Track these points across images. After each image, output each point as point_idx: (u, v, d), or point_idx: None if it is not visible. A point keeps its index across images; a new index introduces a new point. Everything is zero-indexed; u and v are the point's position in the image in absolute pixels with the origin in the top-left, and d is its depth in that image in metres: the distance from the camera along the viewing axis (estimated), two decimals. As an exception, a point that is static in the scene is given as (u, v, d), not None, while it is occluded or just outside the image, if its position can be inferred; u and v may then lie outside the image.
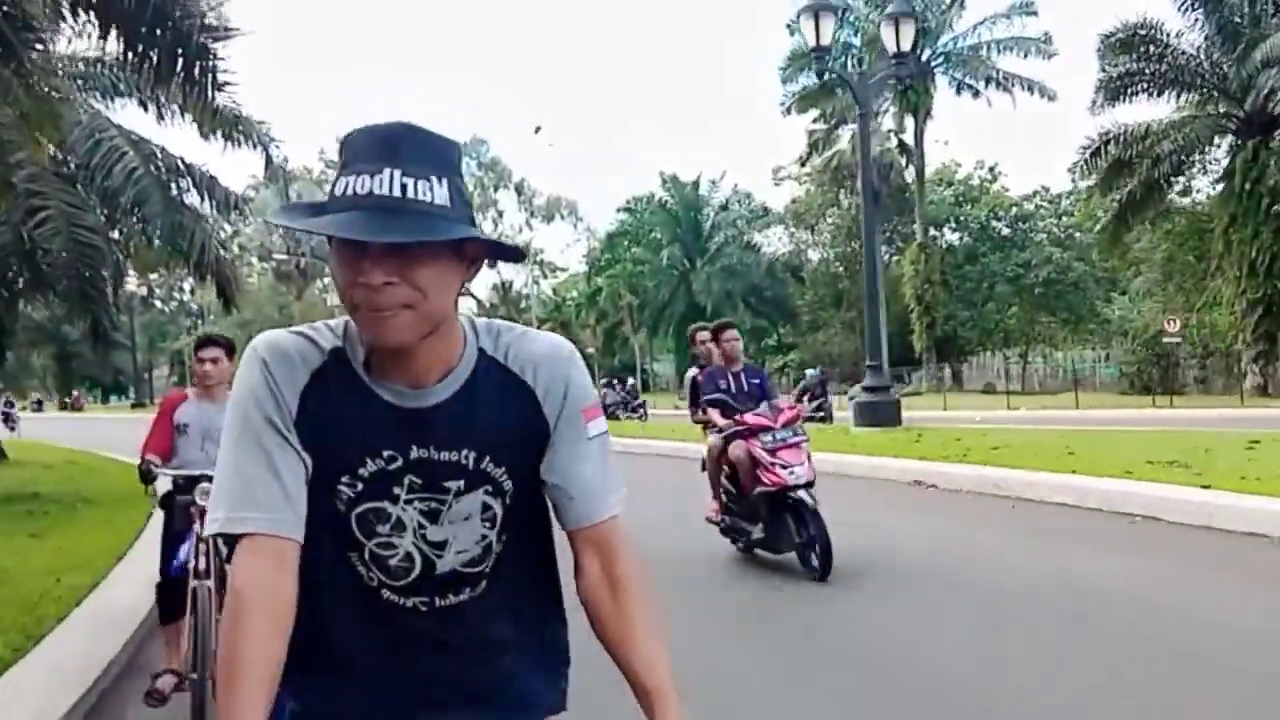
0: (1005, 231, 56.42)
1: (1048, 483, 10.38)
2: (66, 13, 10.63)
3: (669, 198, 57.76)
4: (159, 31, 10.37)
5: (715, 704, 4.42)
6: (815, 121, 42.31)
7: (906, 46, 17.39)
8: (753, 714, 4.51)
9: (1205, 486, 9.01)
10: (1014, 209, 56.33)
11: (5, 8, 9.06)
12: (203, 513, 4.38)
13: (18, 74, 9.70)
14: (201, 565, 4.61)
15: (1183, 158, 32.03)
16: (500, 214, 70.90)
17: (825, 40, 15.69)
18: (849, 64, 39.47)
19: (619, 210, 62.94)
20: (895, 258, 52.59)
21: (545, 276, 75.49)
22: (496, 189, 70.02)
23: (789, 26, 42.37)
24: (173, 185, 15.61)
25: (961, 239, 57.47)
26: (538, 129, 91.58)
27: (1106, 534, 8.38)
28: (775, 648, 5.65)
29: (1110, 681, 4.69)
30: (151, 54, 10.62)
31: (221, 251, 17.92)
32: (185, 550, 4.67)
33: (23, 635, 5.81)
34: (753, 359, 44.35)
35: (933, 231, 56.44)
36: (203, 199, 16.50)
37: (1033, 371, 58.30)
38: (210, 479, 4.14)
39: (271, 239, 65.11)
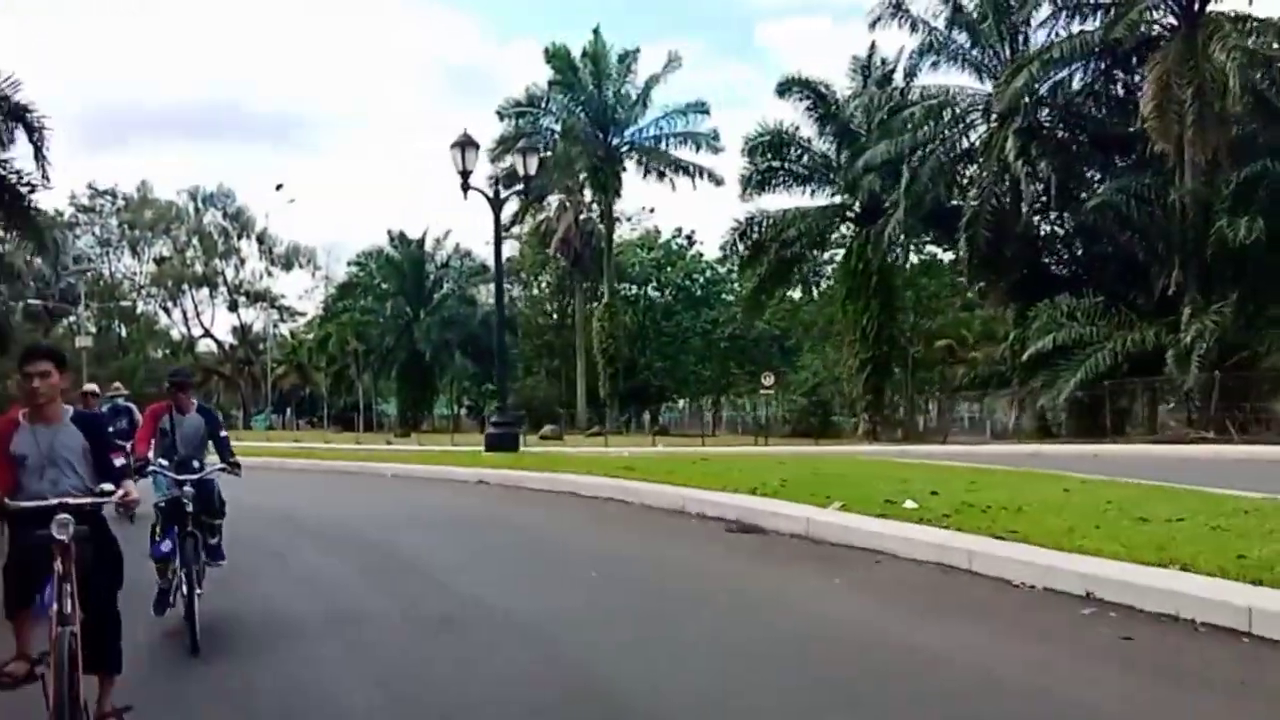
0: (699, 292, 63.29)
1: (594, 484, 15.40)
2: None
3: (395, 253, 61.61)
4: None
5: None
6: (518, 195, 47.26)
7: (533, 171, 22.84)
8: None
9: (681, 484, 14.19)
10: (707, 272, 63.13)
11: None
12: (64, 549, 4.21)
13: None
14: (66, 608, 4.20)
15: (805, 242, 38.78)
16: (242, 261, 73.15)
17: (470, 167, 20.53)
18: (545, 148, 44.98)
19: (349, 264, 66.35)
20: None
21: (284, 320, 77.58)
22: (240, 237, 72.26)
23: (498, 112, 47.43)
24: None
25: (661, 297, 64.09)
26: (279, 186, 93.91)
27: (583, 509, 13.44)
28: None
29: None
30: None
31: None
32: (49, 594, 4.31)
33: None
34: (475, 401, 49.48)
35: (636, 290, 63.14)
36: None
37: (723, 417, 66.01)
38: (67, 509, 4.24)
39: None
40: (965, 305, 46.54)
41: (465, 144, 20.44)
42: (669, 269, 63.54)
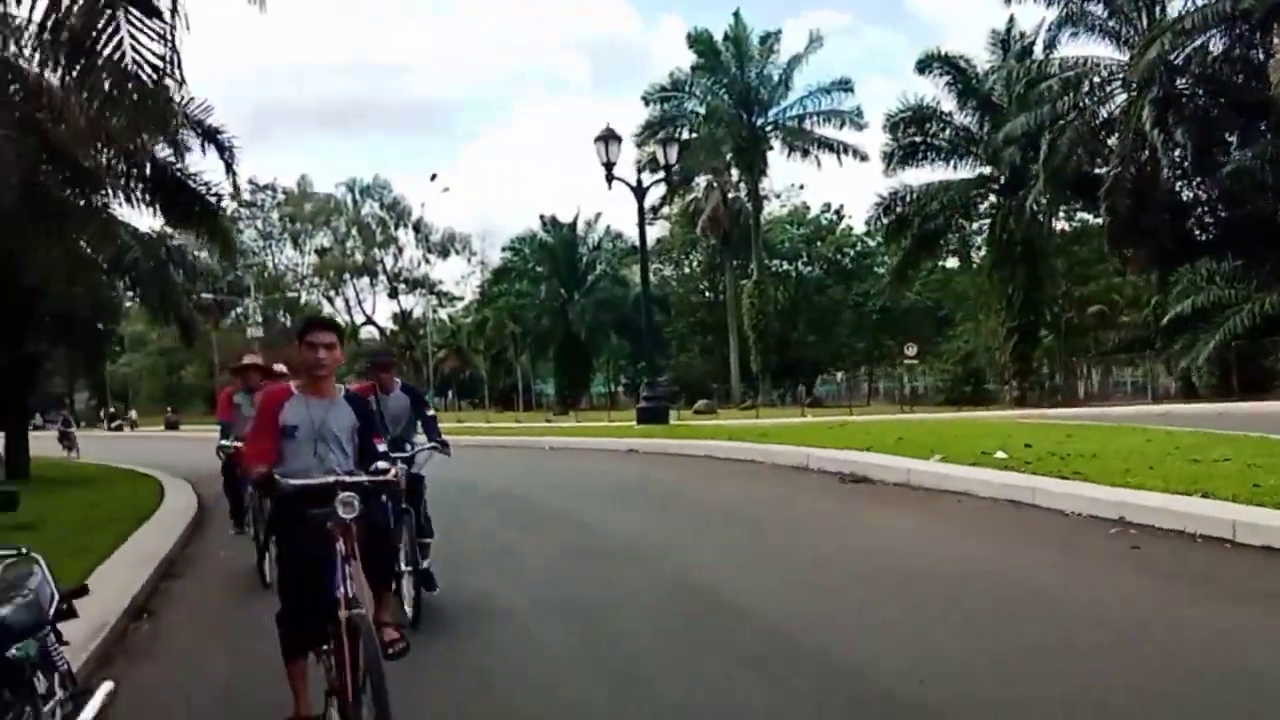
0: (849, 266, 63.93)
1: (731, 448, 17.10)
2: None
3: (548, 237, 64.19)
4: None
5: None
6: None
7: (673, 161, 24.55)
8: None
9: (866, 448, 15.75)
10: (857, 245, 63.68)
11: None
12: (346, 529, 4.03)
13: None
14: (351, 591, 4.00)
15: (949, 214, 39.35)
16: (400, 250, 76.31)
17: (614, 159, 22.28)
18: (688, 131, 46.73)
19: (503, 249, 69.27)
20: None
21: (442, 305, 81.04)
22: (397, 227, 75.52)
23: (643, 98, 49.08)
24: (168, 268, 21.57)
25: (811, 271, 65.01)
26: (434, 176, 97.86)
27: (735, 471, 15.11)
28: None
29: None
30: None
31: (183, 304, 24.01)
32: (337, 578, 3.99)
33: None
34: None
35: (786, 265, 64.31)
36: (177, 268, 22.52)
37: (879, 389, 66.43)
38: (348, 486, 4.07)
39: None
40: (1118, 271, 46.14)
41: (608, 137, 22.22)
42: (819, 244, 64.37)
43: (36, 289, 19.99)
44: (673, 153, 26.52)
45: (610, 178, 22.26)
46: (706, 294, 65.36)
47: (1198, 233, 34.39)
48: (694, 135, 48.10)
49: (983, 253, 45.00)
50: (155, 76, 9.04)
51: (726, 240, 53.42)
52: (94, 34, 8.72)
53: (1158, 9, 33.34)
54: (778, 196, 63.56)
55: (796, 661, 5.18)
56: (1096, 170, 34.68)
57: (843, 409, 43.63)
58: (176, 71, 9.36)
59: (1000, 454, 11.75)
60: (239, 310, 69.13)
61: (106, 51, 8.95)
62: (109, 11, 8.57)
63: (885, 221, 40.38)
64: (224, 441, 8.85)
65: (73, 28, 8.88)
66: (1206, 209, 34.90)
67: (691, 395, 49.87)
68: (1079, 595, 6.34)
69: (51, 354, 27.90)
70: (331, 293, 77.97)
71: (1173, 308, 29.54)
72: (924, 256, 42.11)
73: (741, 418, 35.32)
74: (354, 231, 76.12)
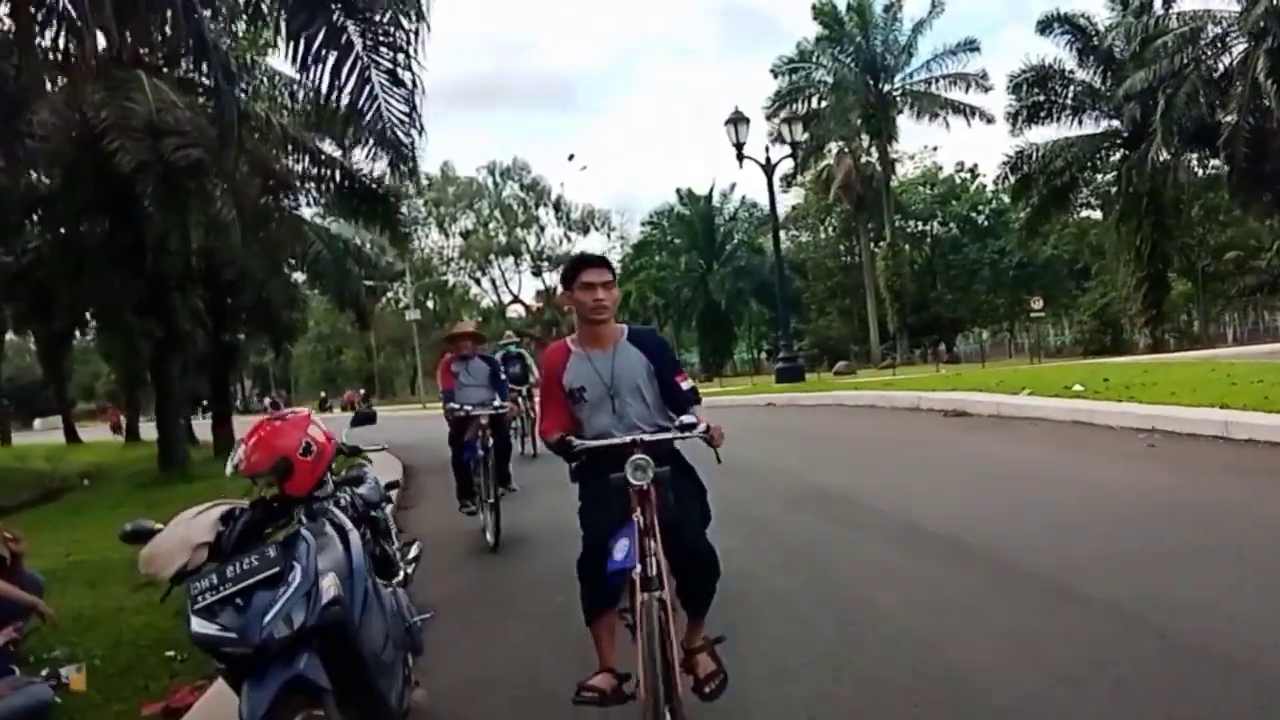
0: (985, 223, 64.74)
1: (857, 396, 19.51)
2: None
3: (685, 210, 66.84)
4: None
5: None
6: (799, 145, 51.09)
7: (799, 138, 26.83)
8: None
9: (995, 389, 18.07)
10: (992, 203, 64.37)
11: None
12: (643, 496, 3.73)
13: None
14: (650, 571, 3.66)
15: (1075, 170, 40.47)
16: (542, 229, 79.50)
17: (743, 139, 24.52)
18: (816, 101, 48.79)
19: (642, 224, 72.01)
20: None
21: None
22: (538, 206, 78.74)
23: (772, 70, 51.08)
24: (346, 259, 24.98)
25: (947, 231, 66.07)
26: (571, 156, 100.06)
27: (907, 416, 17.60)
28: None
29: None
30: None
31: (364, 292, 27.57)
32: (624, 548, 3.69)
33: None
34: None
35: (921, 225, 65.65)
36: (358, 264, 25.98)
37: (1022, 343, 67.13)
38: (643, 446, 3.80)
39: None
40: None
41: (737, 120, 24.37)
42: (954, 203, 65.33)
43: (235, 283, 23.59)
44: (798, 130, 28.64)
45: (741, 158, 24.55)
46: (844, 258, 67.08)
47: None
48: (823, 104, 49.91)
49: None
50: (403, 130, 11.95)
51: (860, 204, 55.17)
52: (359, 104, 11.55)
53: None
54: (911, 159, 64.91)
55: (905, 532, 7.83)
56: (1219, 119, 35.46)
57: (979, 364, 45.10)
58: (418, 121, 12.17)
59: (1078, 387, 13.96)
60: (389, 295, 72.90)
61: (368, 117, 11.83)
62: (368, 84, 11.40)
63: (1012, 180, 41.84)
64: (452, 404, 9.27)
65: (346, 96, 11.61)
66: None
67: (833, 357, 51.85)
68: (1098, 478, 8.80)
69: (251, 341, 32.04)
70: (478, 274, 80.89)
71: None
72: (1054, 212, 43.18)
73: (879, 376, 37.34)
74: (496, 213, 78.57)
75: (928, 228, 66.24)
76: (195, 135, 15.09)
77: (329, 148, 19.78)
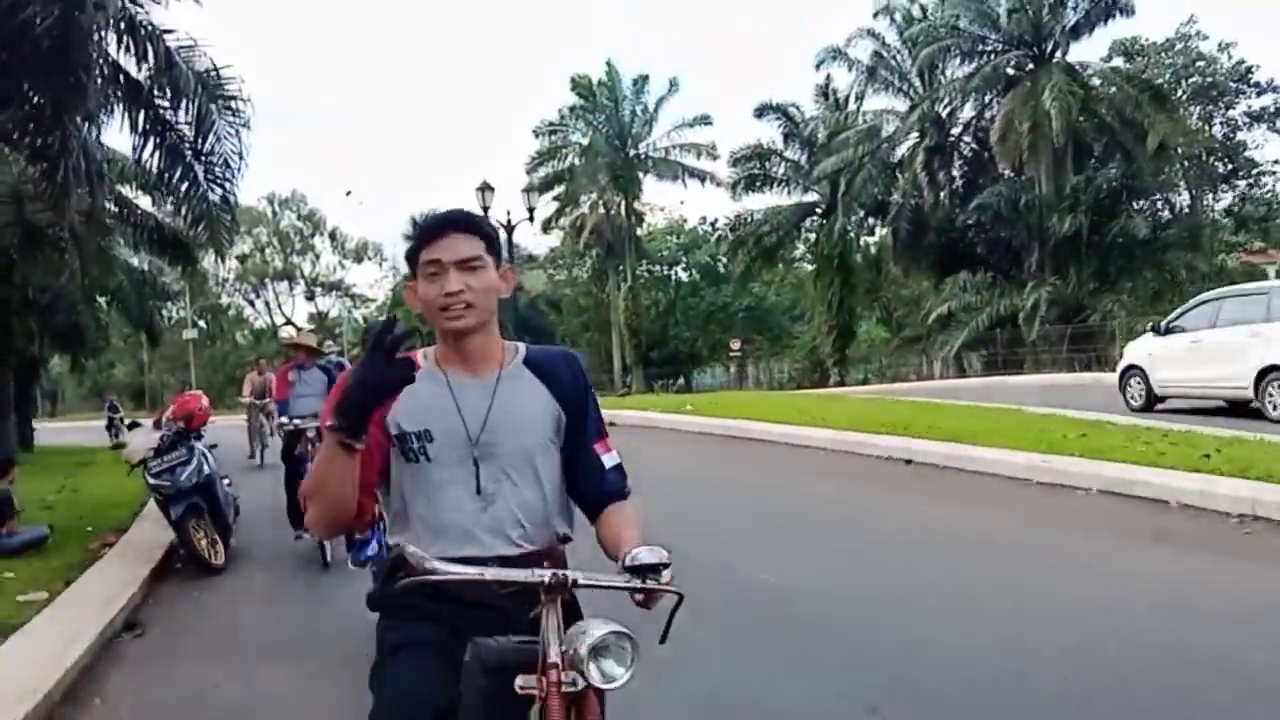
0: (722, 271, 72.25)
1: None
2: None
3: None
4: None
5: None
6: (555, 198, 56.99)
7: (538, 206, 32.45)
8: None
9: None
10: (727, 254, 71.82)
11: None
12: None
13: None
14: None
15: (780, 235, 48.16)
16: (318, 256, 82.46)
17: (489, 204, 29.33)
18: (573, 158, 54.90)
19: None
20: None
21: (357, 307, 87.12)
22: (314, 235, 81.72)
23: (534, 131, 57.00)
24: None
25: (690, 276, 73.29)
26: (348, 193, 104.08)
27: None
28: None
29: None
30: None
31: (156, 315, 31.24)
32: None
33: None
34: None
35: (666, 270, 72.62)
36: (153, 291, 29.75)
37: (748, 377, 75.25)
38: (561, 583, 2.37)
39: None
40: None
41: (485, 188, 29.41)
42: (695, 252, 72.61)
43: (50, 307, 26.94)
44: (545, 197, 33.76)
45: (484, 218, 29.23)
46: (595, 296, 73.03)
47: (963, 248, 43.35)
48: (580, 161, 55.99)
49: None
50: (221, 205, 15.76)
51: (610, 250, 61.28)
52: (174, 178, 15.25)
53: (940, 71, 42.33)
54: (661, 210, 71.81)
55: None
56: (889, 199, 43.54)
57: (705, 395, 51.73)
58: (232, 198, 15.98)
59: (689, 408, 19.92)
60: (166, 313, 73.57)
61: (184, 188, 15.51)
62: (185, 157, 14.99)
63: (730, 239, 49.24)
64: (282, 419, 9.47)
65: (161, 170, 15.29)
66: (978, 231, 43.90)
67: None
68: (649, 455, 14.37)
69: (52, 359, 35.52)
70: (252, 296, 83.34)
71: (937, 308, 38.49)
72: (765, 266, 50.85)
73: (605, 399, 42.83)
74: (274, 240, 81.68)
75: (672, 273, 73.25)
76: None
77: (145, 201, 23.46)
